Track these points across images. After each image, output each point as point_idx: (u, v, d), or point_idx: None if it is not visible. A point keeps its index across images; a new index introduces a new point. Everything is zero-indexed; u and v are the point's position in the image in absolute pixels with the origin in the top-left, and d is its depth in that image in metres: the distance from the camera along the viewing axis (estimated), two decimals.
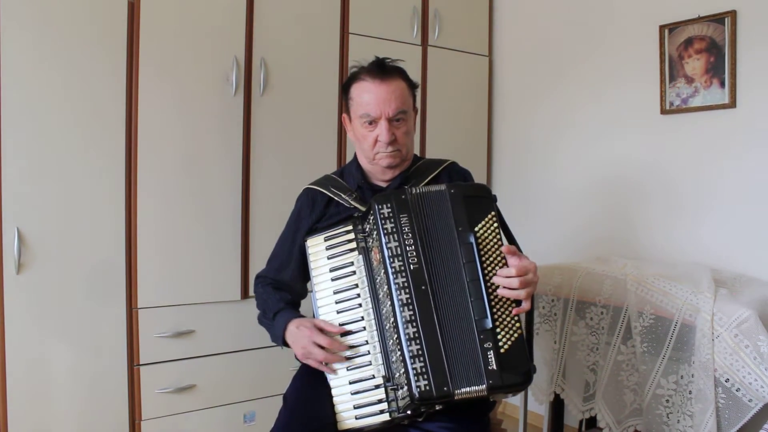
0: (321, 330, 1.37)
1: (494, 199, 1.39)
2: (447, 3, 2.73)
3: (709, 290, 1.70)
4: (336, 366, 1.36)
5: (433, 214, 1.35)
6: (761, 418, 1.59)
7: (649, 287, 1.81)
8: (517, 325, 1.29)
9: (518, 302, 1.31)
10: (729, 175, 2.09)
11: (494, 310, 1.28)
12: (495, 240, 1.33)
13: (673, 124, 2.24)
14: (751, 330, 1.57)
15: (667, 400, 1.73)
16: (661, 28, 2.24)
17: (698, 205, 2.18)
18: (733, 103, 2.06)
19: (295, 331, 1.40)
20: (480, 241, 1.32)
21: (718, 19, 2.08)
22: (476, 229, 1.33)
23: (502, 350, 1.25)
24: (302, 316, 1.46)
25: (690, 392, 1.68)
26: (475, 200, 1.36)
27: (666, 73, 2.23)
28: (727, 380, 1.59)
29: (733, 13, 2.03)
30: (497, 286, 1.30)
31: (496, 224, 1.35)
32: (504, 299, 1.30)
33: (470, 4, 2.84)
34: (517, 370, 1.25)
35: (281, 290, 1.55)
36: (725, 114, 2.09)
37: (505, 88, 2.92)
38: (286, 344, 1.45)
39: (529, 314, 1.41)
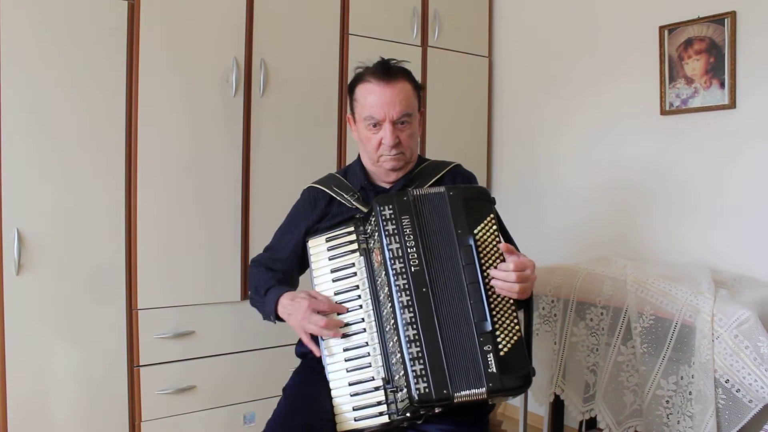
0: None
1: (493, 201, 1.39)
2: (447, 4, 2.73)
3: (709, 291, 1.70)
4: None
5: (433, 216, 1.35)
6: (761, 419, 1.59)
7: (649, 288, 1.81)
8: (517, 327, 1.28)
9: (517, 303, 1.30)
10: (729, 176, 2.09)
11: (494, 312, 1.28)
12: (494, 243, 1.33)
13: (672, 125, 2.24)
14: (751, 331, 1.57)
15: (667, 401, 1.73)
16: (661, 28, 2.24)
17: (698, 205, 2.18)
18: (732, 104, 2.06)
19: (289, 303, 1.40)
20: (479, 243, 1.32)
21: (717, 19, 2.08)
22: (475, 231, 1.33)
23: (501, 353, 1.25)
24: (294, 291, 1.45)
25: (690, 393, 1.68)
26: (475, 203, 1.36)
27: (666, 73, 2.23)
28: (727, 381, 1.59)
29: (732, 14, 2.03)
30: (493, 287, 1.29)
31: (495, 227, 1.35)
32: (503, 301, 1.29)
33: (470, 4, 2.84)
34: (516, 372, 1.24)
35: (274, 272, 1.55)
36: (725, 115, 2.09)
37: (505, 88, 2.92)
38: (279, 318, 1.44)
39: (528, 316, 1.40)
